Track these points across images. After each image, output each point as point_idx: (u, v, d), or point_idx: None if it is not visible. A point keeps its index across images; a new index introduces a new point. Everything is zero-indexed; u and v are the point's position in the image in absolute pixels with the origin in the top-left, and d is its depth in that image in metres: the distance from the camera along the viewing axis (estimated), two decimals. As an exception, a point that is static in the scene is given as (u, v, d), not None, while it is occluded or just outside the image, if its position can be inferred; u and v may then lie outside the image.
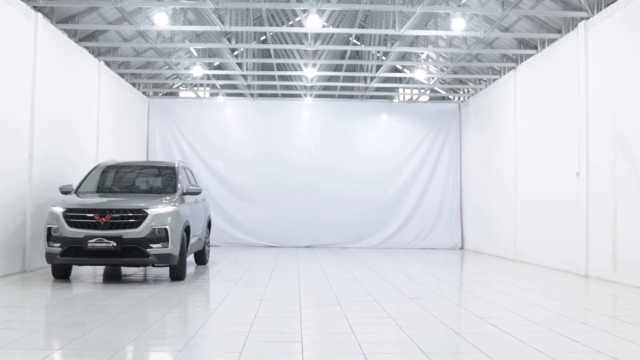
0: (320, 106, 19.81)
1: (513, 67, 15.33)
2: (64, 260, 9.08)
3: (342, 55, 17.64)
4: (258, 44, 16.51)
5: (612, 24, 10.75)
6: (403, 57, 17.25)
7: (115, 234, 8.90)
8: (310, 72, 16.45)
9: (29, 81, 10.85)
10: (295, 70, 17.37)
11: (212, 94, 20.24)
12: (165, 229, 9.12)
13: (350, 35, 17.70)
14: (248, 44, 15.25)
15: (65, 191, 9.92)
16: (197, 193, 10.70)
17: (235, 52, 17.42)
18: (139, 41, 14.95)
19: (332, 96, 19.95)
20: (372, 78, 17.54)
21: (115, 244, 8.85)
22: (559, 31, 13.04)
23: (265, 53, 18.00)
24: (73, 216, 9.03)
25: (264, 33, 18.26)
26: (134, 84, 17.90)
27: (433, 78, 18.14)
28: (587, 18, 11.55)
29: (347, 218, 19.12)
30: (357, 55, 18.81)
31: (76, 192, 10.14)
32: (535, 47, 14.28)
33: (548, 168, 13.13)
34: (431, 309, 7.32)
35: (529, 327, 6.26)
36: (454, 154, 19.74)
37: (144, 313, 6.82)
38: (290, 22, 17.25)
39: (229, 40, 14.64)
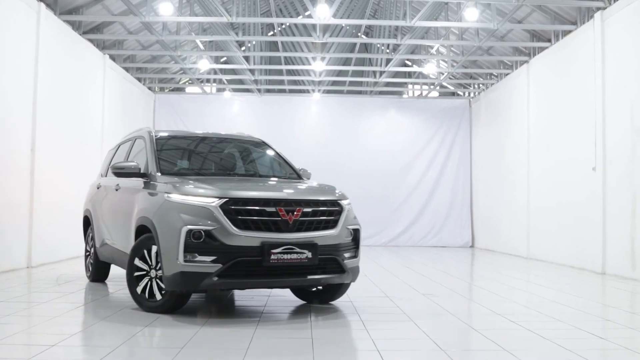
0: (329, 102, 19.54)
1: (525, 61, 15.01)
2: (222, 285, 5.79)
3: (351, 48, 17.35)
4: (265, 37, 16.23)
5: (629, 14, 10.42)
6: (413, 51, 16.96)
7: (307, 239, 5.91)
8: (318, 66, 16.16)
9: (31, 73, 10.60)
10: (304, 64, 17.09)
11: (218, 90, 19.99)
12: (356, 231, 6.47)
13: (360, 27, 17.41)
14: (255, 36, 14.95)
15: (130, 170, 6.63)
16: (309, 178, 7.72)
17: (243, 48, 17.16)
18: (144, 35, 14.71)
19: (341, 92, 19.68)
20: (381, 73, 17.25)
21: (310, 255, 5.89)
22: (573, 23, 12.73)
23: (273, 47, 17.74)
24: (242, 211, 5.78)
25: (272, 27, 18.01)
26: (139, 79, 17.66)
27: (443, 73, 17.84)
28: (604, 8, 11.23)
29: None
30: (365, 49, 18.52)
31: (170, 173, 6.73)
32: (549, 40, 13.96)
33: (562, 163, 12.80)
34: (446, 305, 7.03)
35: (550, 324, 5.96)
36: (464, 150, 19.44)
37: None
38: (300, 17, 16.98)
39: (236, 33, 14.37)
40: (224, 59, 18.36)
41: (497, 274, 11.41)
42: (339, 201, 6.34)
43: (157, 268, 5.97)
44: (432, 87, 19.68)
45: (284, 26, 17.95)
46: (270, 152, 7.95)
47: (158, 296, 6.03)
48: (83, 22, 13.15)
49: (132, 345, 4.86)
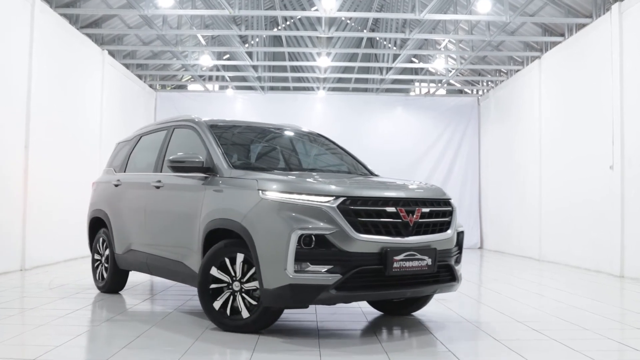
0: (334, 100, 19.10)
1: (537, 57, 14.53)
2: (341, 298, 4.97)
3: (357, 44, 16.91)
4: (269, 31, 15.78)
5: (650, 4, 9.99)
6: (421, 47, 16.52)
7: (426, 244, 5.19)
8: (323, 62, 15.70)
9: (24, 68, 10.15)
10: (308, 60, 16.66)
11: (221, 88, 19.58)
12: (461, 234, 5.80)
13: (366, 23, 16.97)
14: (258, 31, 14.49)
15: (193, 165, 5.67)
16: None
17: (246, 45, 16.74)
18: (144, 30, 14.27)
19: (346, 89, 19.25)
20: (388, 69, 16.80)
21: (430, 262, 5.16)
22: (588, 16, 12.27)
23: (277, 43, 17.31)
24: (362, 212, 4.97)
25: (276, 24, 17.58)
26: (140, 77, 17.25)
27: (451, 70, 17.39)
28: (622, 0, 10.77)
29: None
30: (372, 45, 18.09)
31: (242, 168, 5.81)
32: (562, 35, 13.49)
33: (577, 161, 12.33)
34: (462, 311, 6.57)
35: (577, 333, 5.50)
36: (472, 149, 18.98)
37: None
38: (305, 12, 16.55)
39: (239, 27, 13.93)
40: (227, 56, 17.94)
41: (509, 276, 10.95)
42: (450, 201, 5.69)
43: (244, 280, 5.14)
44: (439, 84, 19.23)
45: (288, 23, 17.53)
46: (336, 147, 7.23)
47: (245, 313, 5.12)
48: (81, 16, 12.74)
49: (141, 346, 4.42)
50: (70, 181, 11.73)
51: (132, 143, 7.71)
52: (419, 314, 6.36)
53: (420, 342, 5.20)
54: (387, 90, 19.27)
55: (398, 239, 4.99)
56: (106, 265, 7.54)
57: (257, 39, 16.39)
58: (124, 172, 7.54)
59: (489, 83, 18.60)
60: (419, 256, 5.04)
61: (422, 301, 6.22)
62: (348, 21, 16.82)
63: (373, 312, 6.44)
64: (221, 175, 5.56)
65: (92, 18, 13.26)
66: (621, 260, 10.47)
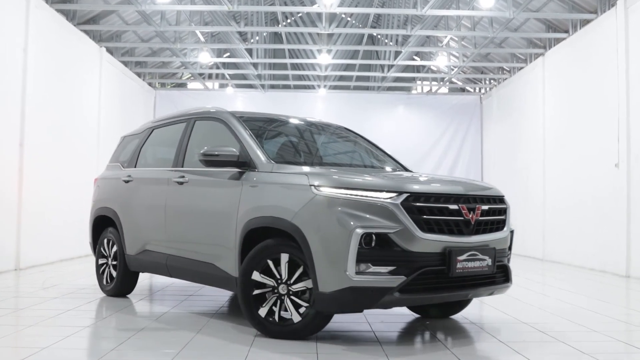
0: (335, 98, 18.91)
1: (541, 54, 14.34)
2: (405, 301, 4.72)
3: (358, 41, 16.72)
4: (269, 27, 15.58)
5: (656, -1, 9.79)
6: (423, 44, 16.33)
7: (485, 243, 4.92)
8: (324, 59, 15.51)
9: (19, 65, 9.96)
10: (309, 57, 16.47)
11: (221, 86, 19.41)
12: (512, 233, 5.42)
13: (367, 20, 16.78)
14: (258, 27, 14.29)
15: (228, 158, 5.27)
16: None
17: (246, 43, 16.57)
18: (143, 27, 14.09)
19: (347, 87, 19.06)
20: (389, 67, 16.61)
21: (490, 262, 4.88)
22: (593, 12, 12.06)
23: (277, 40, 17.14)
24: (425, 209, 4.65)
25: (276, 22, 17.40)
26: (139, 75, 17.07)
27: (453, 68, 17.20)
28: (627, -5, 10.59)
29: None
30: (373, 42, 17.91)
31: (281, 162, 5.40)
32: (566, 31, 13.30)
33: (582, 160, 12.12)
34: (464, 312, 6.37)
35: (585, 335, 5.31)
36: (475, 148, 18.80)
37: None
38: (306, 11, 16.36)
39: (238, 24, 13.74)
40: (227, 54, 17.76)
41: (513, 277, 10.73)
42: (504, 198, 5.34)
43: (291, 281, 4.80)
44: (441, 82, 19.04)
45: (289, 20, 17.35)
46: (368, 142, 6.89)
47: (296, 317, 4.77)
48: (78, 12, 12.56)
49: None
50: (67, 180, 11.55)
51: (142, 137, 7.24)
52: (425, 319, 6.16)
53: (420, 343, 5.01)
54: (389, 89, 19.09)
55: (461, 238, 4.72)
56: (113, 266, 7.08)
57: (257, 37, 16.21)
58: (134, 167, 7.08)
59: (492, 81, 18.41)
60: (481, 256, 4.77)
61: (465, 303, 5.98)
62: (348, 19, 16.63)
63: (368, 312, 6.24)
64: (260, 170, 5.19)
65: (90, 14, 13.07)
66: (627, 260, 10.27)
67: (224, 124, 5.81)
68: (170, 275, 6.23)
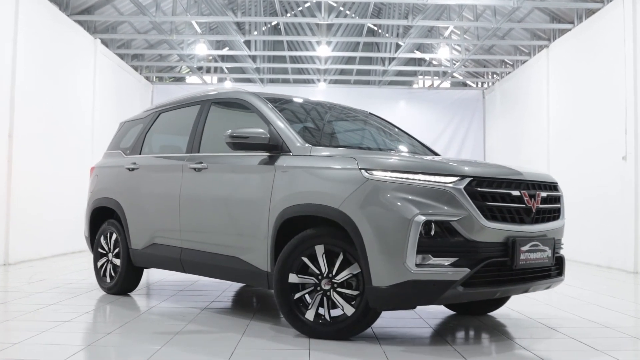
0: (335, 92, 18.57)
1: (545, 46, 14.03)
2: (468, 296, 4.23)
3: (358, 32, 16.42)
4: (267, 17, 15.25)
5: (665, -14, 9.47)
6: (425, 37, 16.02)
7: (545, 232, 4.57)
8: (324, 51, 15.20)
9: (8, 55, 9.67)
10: (308, 50, 16.17)
11: (219, 80, 19.11)
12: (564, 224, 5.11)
13: (367, 10, 16.46)
14: (256, 17, 13.98)
15: (258, 141, 4.80)
16: None
17: (245, 36, 16.28)
18: (139, 18, 13.79)
19: (348, 82, 18.77)
20: (390, 60, 16.30)
21: (550, 254, 4.56)
22: (598, 1, 11.75)
23: (276, 33, 16.84)
24: (488, 195, 4.23)
25: (275, 14, 17.11)
26: (136, 68, 16.78)
27: (455, 62, 16.89)
28: (635, -17, 10.27)
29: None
30: (373, 34, 17.60)
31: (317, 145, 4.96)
32: (571, 22, 12.99)
33: (587, 154, 11.81)
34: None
35: (597, 331, 5.01)
36: (477, 144, 18.49)
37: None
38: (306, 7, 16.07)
39: (235, 14, 13.45)
40: (226, 48, 17.46)
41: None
42: (558, 185, 4.99)
43: (333, 276, 4.38)
44: (444, 77, 18.73)
45: (289, 14, 17.05)
46: (393, 126, 6.46)
47: (348, 309, 4.34)
48: (71, 2, 12.28)
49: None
50: (59, 174, 11.26)
51: (146, 121, 6.67)
52: (431, 319, 5.86)
53: (423, 341, 4.71)
54: (390, 83, 18.79)
55: (523, 227, 4.33)
56: (115, 262, 6.55)
57: (254, 32, 15.90)
58: (139, 154, 6.50)
59: (494, 75, 18.11)
60: (542, 247, 4.41)
61: (504, 299, 5.60)
62: (347, 12, 16.32)
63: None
64: (295, 154, 4.73)
65: (84, 5, 12.79)
66: (635, 256, 9.95)
67: (246, 106, 5.36)
68: (184, 271, 5.72)
